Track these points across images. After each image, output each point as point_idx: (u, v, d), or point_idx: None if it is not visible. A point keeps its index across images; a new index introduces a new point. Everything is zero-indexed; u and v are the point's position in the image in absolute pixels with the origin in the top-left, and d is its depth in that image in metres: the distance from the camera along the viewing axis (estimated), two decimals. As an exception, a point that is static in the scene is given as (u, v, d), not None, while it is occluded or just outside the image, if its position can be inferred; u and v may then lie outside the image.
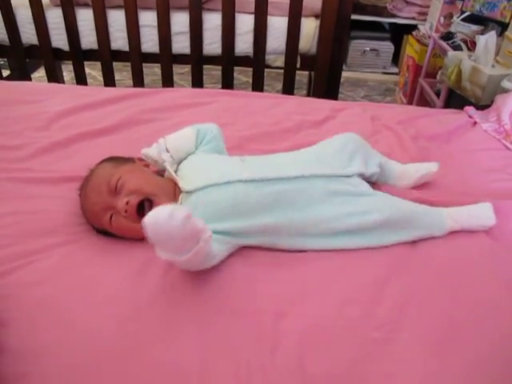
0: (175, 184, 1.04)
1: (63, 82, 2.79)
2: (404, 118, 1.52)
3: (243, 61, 2.41)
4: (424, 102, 2.86)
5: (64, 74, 3.05)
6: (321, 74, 2.39)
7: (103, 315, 0.83)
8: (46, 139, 1.32)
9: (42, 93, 1.63)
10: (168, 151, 1.11)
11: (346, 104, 1.63)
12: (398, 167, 1.22)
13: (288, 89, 2.45)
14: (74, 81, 2.52)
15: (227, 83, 2.45)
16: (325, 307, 0.86)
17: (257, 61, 2.37)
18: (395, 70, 3.82)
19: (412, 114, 1.57)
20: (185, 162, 1.11)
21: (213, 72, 3.33)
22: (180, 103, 1.57)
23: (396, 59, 3.83)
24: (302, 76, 3.26)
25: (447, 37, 2.49)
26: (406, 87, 3.24)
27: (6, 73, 2.74)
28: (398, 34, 3.70)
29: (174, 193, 1.03)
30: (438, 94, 2.65)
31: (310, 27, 2.29)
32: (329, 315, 0.85)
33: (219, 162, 1.11)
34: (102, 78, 2.50)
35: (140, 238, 0.98)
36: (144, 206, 0.97)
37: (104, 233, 1.01)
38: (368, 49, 3.69)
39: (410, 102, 3.13)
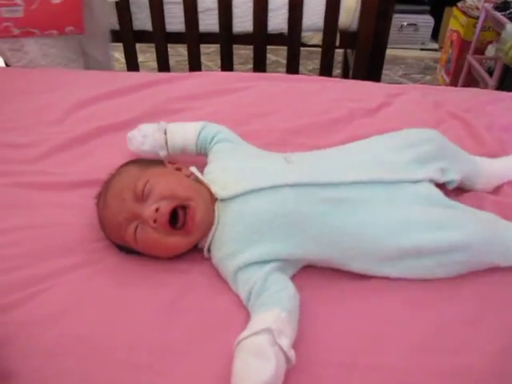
0: (208, 189, 0.86)
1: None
2: (472, 105, 1.29)
3: (277, 39, 2.22)
4: (472, 80, 2.65)
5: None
6: (362, 53, 2.19)
7: (124, 365, 0.67)
8: (60, 135, 1.16)
9: (55, 80, 1.47)
10: (165, 134, 1.01)
11: (402, 88, 1.42)
12: (484, 172, 0.99)
13: (325, 69, 2.26)
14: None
15: (259, 64, 2.27)
16: (403, 357, 0.68)
17: (292, 39, 2.19)
18: (435, 45, 3.61)
19: (480, 98, 1.35)
20: (212, 164, 0.94)
21: (241, 51, 3.14)
22: (212, 90, 1.38)
23: (436, 34, 3.59)
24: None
25: (503, 7, 2.27)
26: (449, 65, 3.01)
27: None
28: (439, 6, 3.48)
29: (210, 199, 0.85)
30: (489, 72, 2.43)
31: (351, 0, 2.08)
32: (409, 368, 0.67)
33: (259, 160, 0.93)
34: (124, 60, 2.37)
35: (171, 257, 0.83)
36: (177, 215, 0.79)
37: (127, 250, 0.84)
38: (405, 23, 3.49)
39: (454, 81, 2.92)
